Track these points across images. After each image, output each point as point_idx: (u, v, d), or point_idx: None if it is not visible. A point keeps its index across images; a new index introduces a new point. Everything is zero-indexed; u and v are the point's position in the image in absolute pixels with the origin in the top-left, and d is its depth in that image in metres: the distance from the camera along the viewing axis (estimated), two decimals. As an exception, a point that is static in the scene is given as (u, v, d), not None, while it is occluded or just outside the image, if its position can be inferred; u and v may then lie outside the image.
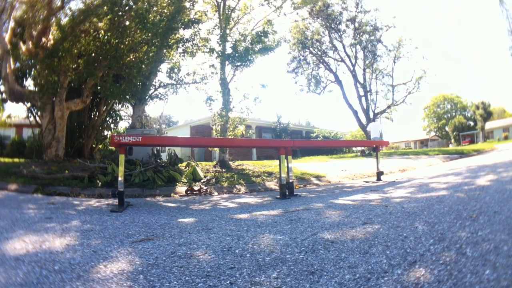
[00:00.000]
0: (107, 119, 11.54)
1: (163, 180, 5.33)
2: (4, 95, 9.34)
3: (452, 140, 44.42)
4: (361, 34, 19.90)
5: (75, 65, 8.14)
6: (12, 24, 8.91)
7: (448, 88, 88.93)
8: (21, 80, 9.79)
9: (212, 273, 1.42)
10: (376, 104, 21.21)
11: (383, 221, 2.22)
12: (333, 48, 20.68)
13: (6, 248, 1.83)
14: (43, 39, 8.18)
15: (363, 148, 13.16)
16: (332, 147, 18.75)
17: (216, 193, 4.91)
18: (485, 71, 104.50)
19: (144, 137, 3.83)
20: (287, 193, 4.02)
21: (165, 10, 7.86)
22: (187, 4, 7.99)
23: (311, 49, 20.76)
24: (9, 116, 13.01)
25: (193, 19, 8.18)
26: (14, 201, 3.83)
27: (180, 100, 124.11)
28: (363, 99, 20.55)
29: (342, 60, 20.79)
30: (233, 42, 8.18)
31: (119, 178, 3.39)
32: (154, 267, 1.51)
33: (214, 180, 5.74)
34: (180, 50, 9.00)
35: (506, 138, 35.60)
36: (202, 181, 5.66)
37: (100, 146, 11.47)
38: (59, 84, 8.00)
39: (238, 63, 8.07)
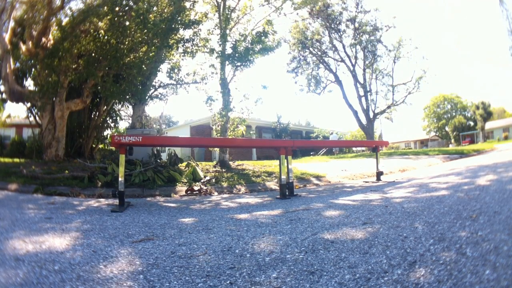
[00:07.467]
0: (107, 119, 11.55)
1: (163, 180, 5.33)
2: (4, 95, 9.35)
3: (452, 140, 44.43)
4: (361, 34, 19.93)
5: (75, 65, 8.14)
6: (12, 24, 8.92)
7: (448, 88, 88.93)
8: (21, 80, 9.79)
9: (212, 273, 1.42)
10: (376, 104, 21.27)
11: (383, 221, 2.22)
12: (333, 48, 20.73)
13: (6, 248, 1.82)
14: (43, 39, 8.18)
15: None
16: (332, 147, 18.74)
17: (216, 193, 4.91)
18: (485, 71, 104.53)
19: (145, 137, 3.83)
20: (287, 193, 4.02)
21: (166, 10, 7.87)
22: (187, 4, 8.00)
23: (311, 49, 20.79)
24: (9, 116, 13.03)
25: (194, 20, 8.19)
26: (14, 201, 3.83)
27: (180, 100, 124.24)
28: (363, 99, 20.59)
29: (342, 60, 20.82)
30: (233, 42, 8.18)
31: (120, 178, 3.39)
32: (154, 267, 1.51)
33: (214, 180, 5.73)
34: (180, 50, 9.01)
35: (506, 138, 35.60)
36: (202, 181, 5.65)
37: (100, 146, 11.48)
38: (59, 84, 8.00)
39: (238, 63, 8.07)
